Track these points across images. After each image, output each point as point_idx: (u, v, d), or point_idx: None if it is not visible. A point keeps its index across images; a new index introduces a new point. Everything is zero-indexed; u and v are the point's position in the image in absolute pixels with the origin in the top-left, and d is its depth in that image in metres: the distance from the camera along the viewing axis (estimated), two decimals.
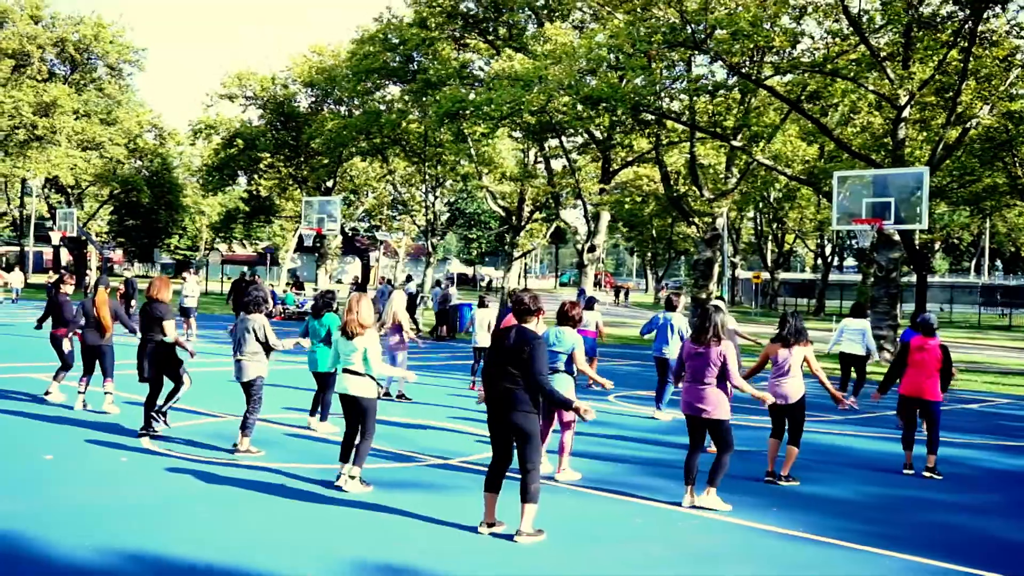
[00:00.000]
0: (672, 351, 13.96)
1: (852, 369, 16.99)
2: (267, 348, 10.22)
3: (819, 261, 70.58)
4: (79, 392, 12.79)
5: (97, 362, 12.75)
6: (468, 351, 24.61)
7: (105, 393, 12.52)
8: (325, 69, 50.79)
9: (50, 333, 13.54)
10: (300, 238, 47.09)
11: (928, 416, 10.76)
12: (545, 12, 37.77)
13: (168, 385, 11.19)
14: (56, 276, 14.67)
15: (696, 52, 28.01)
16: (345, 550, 7.00)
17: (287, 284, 34.00)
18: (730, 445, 8.60)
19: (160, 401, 11.03)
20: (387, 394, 15.08)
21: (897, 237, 25.78)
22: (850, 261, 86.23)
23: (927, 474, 10.54)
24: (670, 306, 14.45)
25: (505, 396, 7.37)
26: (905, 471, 10.70)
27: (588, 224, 38.93)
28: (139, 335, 11.52)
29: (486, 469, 9.77)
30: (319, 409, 11.95)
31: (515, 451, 7.55)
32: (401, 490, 8.77)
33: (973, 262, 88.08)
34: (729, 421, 8.63)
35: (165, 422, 10.95)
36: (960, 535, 8.34)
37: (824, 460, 11.30)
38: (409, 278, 42.23)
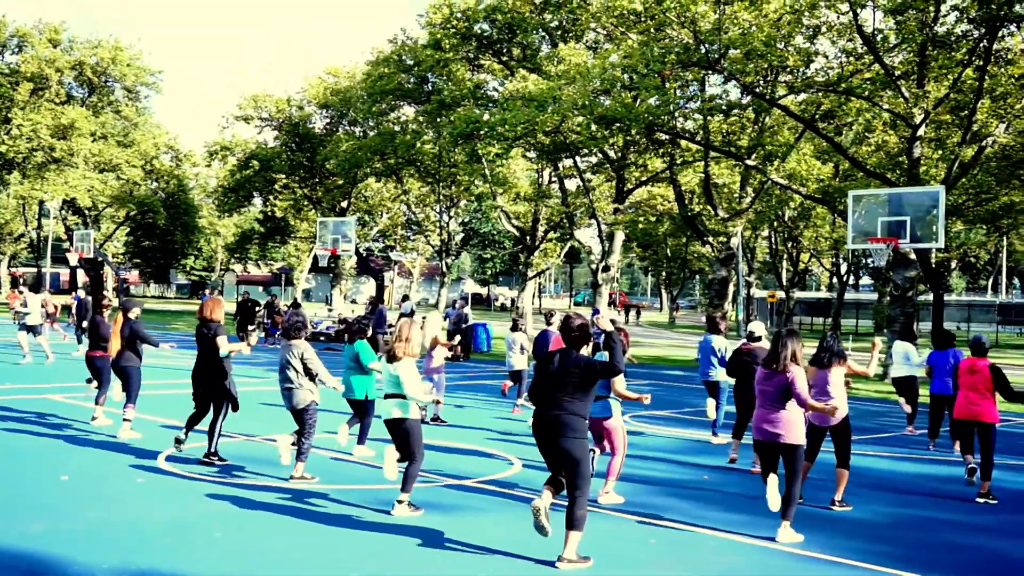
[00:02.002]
0: (717, 373, 13.57)
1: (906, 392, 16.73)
2: (310, 373, 10.01)
3: (834, 280, 70.26)
4: (100, 411, 12.79)
5: (121, 385, 12.64)
6: (482, 371, 24.63)
7: (124, 419, 12.29)
8: (340, 91, 51.10)
9: (86, 355, 13.47)
10: (315, 258, 47.32)
11: (984, 440, 10.57)
12: (559, 33, 37.91)
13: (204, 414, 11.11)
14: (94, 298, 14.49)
15: (710, 72, 28.05)
16: (362, 571, 6.99)
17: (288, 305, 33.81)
18: (799, 473, 8.40)
19: (207, 441, 10.82)
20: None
21: (913, 256, 25.69)
22: (866, 280, 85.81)
23: (980, 500, 10.39)
24: (713, 327, 14.13)
25: (552, 422, 7.33)
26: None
27: (602, 244, 38.93)
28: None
29: (503, 489, 9.77)
30: (362, 433, 11.82)
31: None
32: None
33: (990, 280, 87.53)
34: (803, 448, 8.47)
35: (219, 459, 10.69)
36: (983, 556, 8.27)
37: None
38: (405, 297, 42.28)
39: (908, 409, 15.99)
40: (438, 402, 9.58)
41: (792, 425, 8.40)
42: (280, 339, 10.44)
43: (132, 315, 12.60)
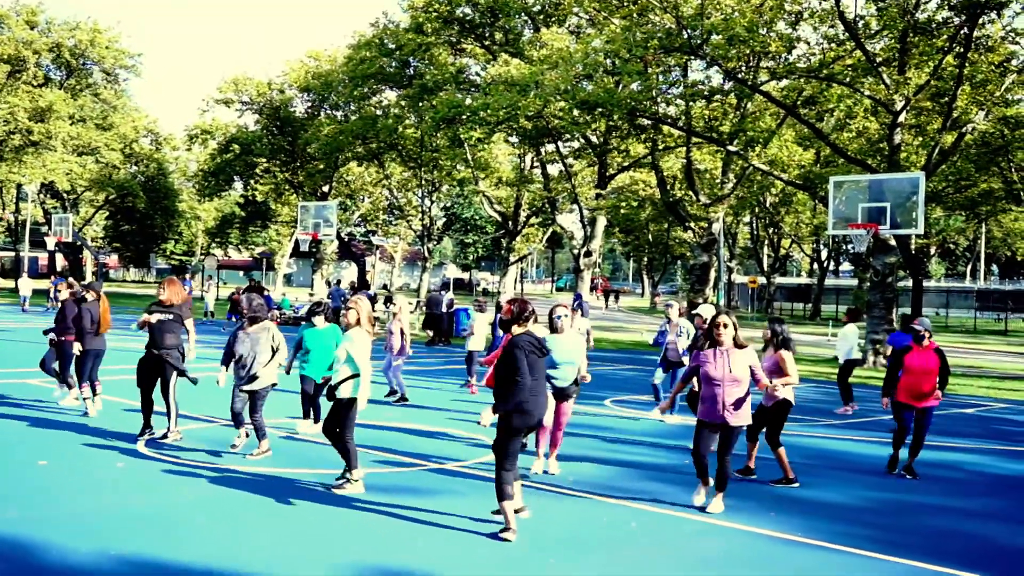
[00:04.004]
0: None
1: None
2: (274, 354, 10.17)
3: (815, 266, 70.64)
4: (86, 398, 12.66)
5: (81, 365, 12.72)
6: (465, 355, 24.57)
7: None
8: (321, 74, 50.77)
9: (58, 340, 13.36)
10: (296, 243, 47.06)
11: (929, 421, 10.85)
12: (541, 17, 37.78)
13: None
14: (81, 284, 14.54)
15: (692, 57, 28.04)
16: (344, 556, 6.98)
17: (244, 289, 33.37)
18: (731, 451, 8.62)
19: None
20: (392, 392, 15.15)
21: (893, 242, 25.82)
22: (846, 266, 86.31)
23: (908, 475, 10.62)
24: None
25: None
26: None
27: (584, 229, 38.93)
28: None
29: (483, 473, 9.78)
30: (311, 413, 12.09)
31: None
32: (398, 495, 8.74)
33: (969, 267, 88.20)
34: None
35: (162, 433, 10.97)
36: (957, 539, 8.33)
37: (821, 464, 11.29)
38: (339, 281, 42.59)
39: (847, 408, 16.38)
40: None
41: (744, 406, 8.55)
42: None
43: (87, 299, 12.75)
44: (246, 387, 10.10)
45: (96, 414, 12.49)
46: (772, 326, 10.14)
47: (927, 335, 10.76)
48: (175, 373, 10.91)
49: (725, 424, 8.47)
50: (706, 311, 12.47)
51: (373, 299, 31.77)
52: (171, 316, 10.97)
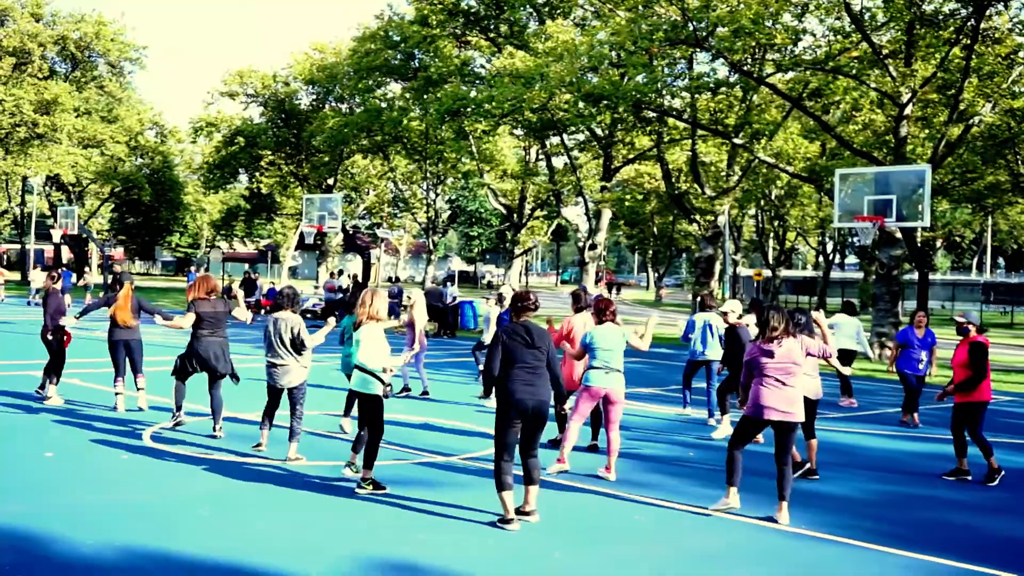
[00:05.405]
0: (712, 352, 13.66)
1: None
2: (300, 347, 9.64)
3: (820, 259, 70.46)
4: (117, 393, 12.63)
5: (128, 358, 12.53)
6: (469, 348, 24.58)
7: (138, 389, 12.44)
8: (326, 67, 50.79)
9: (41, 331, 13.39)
10: (301, 236, 47.10)
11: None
12: (547, 9, 37.74)
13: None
14: (115, 274, 14.88)
15: (698, 49, 27.97)
16: (349, 548, 6.98)
17: (242, 282, 33.22)
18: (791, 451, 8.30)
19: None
20: (406, 389, 15.15)
21: (899, 235, 25.74)
22: (852, 259, 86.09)
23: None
24: (704, 307, 14.26)
25: None
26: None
27: (589, 222, 38.92)
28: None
29: (488, 466, 9.78)
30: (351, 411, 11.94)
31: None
32: (404, 487, 8.73)
33: (975, 260, 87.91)
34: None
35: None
36: (965, 533, 8.31)
37: (829, 458, 11.25)
38: (341, 272, 42.62)
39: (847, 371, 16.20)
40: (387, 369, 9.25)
41: (799, 401, 8.24)
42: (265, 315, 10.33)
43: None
44: (277, 383, 9.90)
45: (124, 410, 12.41)
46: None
47: (971, 328, 10.42)
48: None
49: (783, 421, 8.22)
50: (731, 307, 12.38)
51: (395, 294, 31.75)
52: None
